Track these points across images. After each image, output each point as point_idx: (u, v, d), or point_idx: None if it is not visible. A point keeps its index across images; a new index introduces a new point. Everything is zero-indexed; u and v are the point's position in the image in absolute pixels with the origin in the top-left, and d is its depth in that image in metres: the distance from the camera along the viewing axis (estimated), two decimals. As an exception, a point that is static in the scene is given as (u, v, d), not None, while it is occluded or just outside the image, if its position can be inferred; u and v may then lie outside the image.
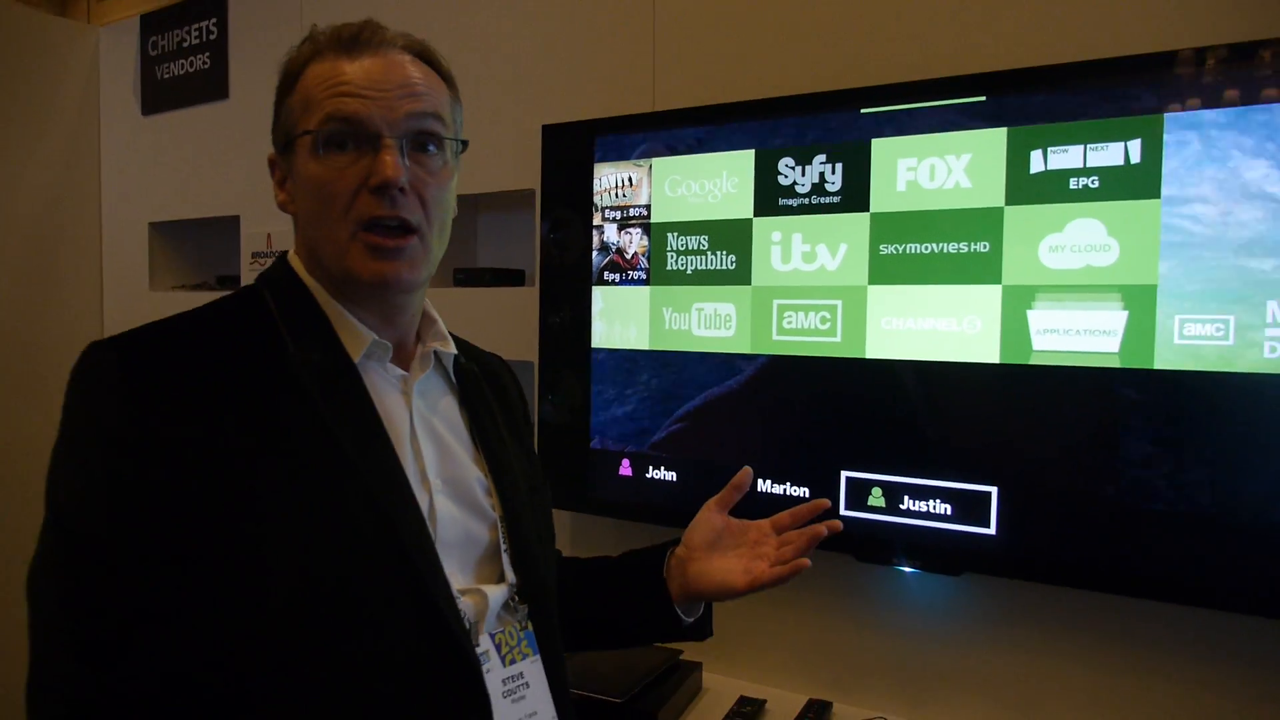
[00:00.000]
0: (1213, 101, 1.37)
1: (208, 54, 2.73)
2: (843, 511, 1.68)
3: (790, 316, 1.73)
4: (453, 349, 1.03)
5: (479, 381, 1.06)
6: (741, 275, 1.78)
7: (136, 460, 0.79)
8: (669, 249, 1.86)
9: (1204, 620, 1.48)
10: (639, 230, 1.89)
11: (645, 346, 1.89)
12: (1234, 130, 1.36)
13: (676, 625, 1.13)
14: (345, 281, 0.92)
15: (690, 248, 1.84)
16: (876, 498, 1.65)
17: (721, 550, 1.11)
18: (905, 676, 1.75)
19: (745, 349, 1.78)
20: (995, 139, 1.53)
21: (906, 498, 1.62)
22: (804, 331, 1.71)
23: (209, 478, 0.80)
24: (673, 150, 1.83)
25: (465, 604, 0.92)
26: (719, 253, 1.80)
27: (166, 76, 2.83)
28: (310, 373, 0.88)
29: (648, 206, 1.87)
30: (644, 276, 1.89)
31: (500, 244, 2.54)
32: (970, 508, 1.56)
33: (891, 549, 1.64)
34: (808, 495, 1.71)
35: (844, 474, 1.67)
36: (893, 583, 1.75)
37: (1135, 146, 1.43)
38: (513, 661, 0.93)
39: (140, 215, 2.96)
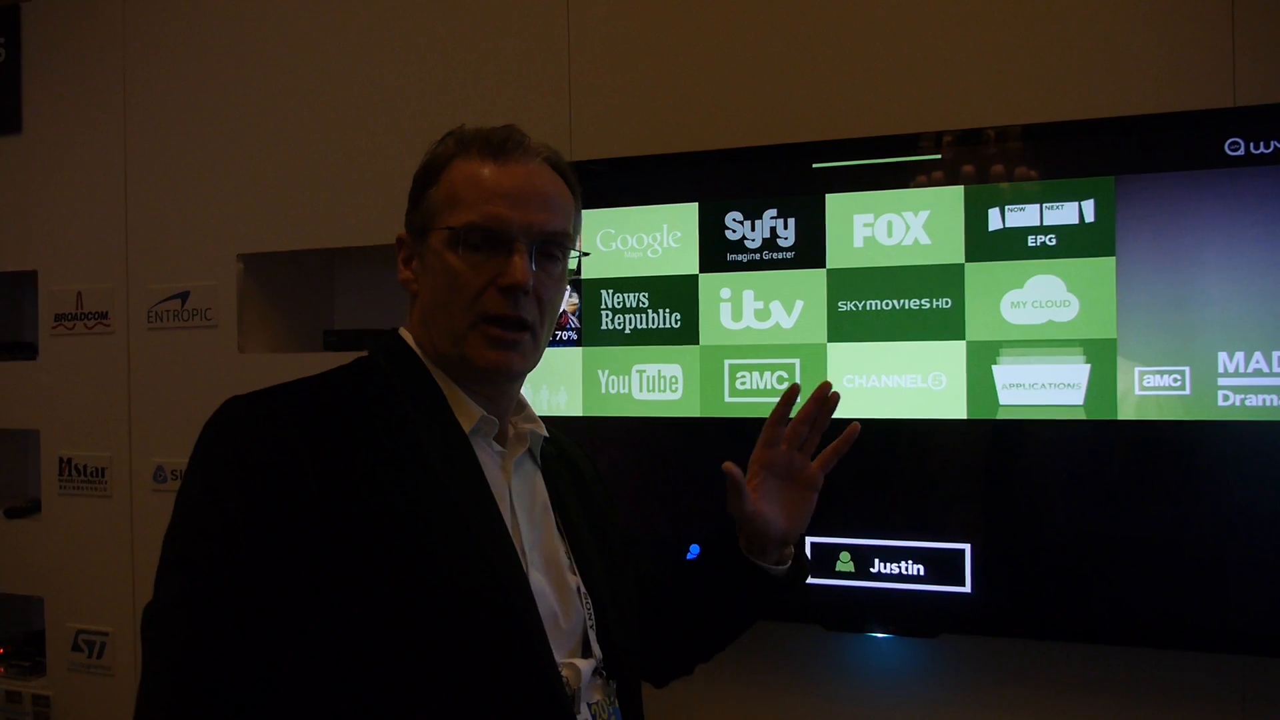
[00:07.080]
0: (1160, 165, 1.45)
1: (-7, 78, 2.29)
2: (808, 580, 1.60)
3: (744, 376, 1.65)
4: (544, 431, 1.06)
5: (558, 463, 1.09)
6: (688, 334, 1.68)
7: (276, 510, 0.82)
8: (603, 307, 1.73)
9: (1185, 663, 1.51)
10: (568, 287, 1.74)
11: (579, 412, 1.73)
12: (1180, 192, 1.44)
13: (780, 588, 1.15)
14: (459, 365, 0.96)
15: (628, 305, 1.72)
16: (845, 563, 1.59)
17: (768, 500, 1.12)
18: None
19: (694, 412, 1.67)
20: (953, 197, 1.54)
21: (877, 560, 1.57)
22: (760, 392, 1.63)
23: (338, 532, 0.83)
24: (607, 202, 1.71)
25: (564, 676, 0.94)
26: (661, 310, 1.70)
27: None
28: (432, 440, 0.92)
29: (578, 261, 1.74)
30: (575, 337, 1.75)
31: (359, 303, 2.30)
32: (944, 567, 1.54)
33: (863, 615, 1.58)
34: (769, 564, 1.62)
35: (809, 540, 1.60)
36: (864, 650, 1.68)
37: (1089, 206, 1.48)
38: None
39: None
